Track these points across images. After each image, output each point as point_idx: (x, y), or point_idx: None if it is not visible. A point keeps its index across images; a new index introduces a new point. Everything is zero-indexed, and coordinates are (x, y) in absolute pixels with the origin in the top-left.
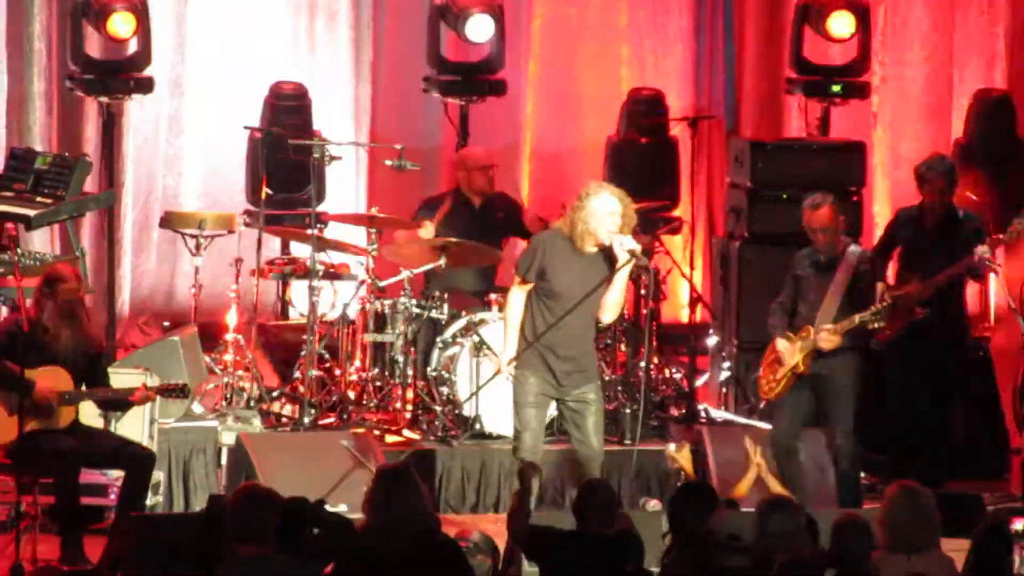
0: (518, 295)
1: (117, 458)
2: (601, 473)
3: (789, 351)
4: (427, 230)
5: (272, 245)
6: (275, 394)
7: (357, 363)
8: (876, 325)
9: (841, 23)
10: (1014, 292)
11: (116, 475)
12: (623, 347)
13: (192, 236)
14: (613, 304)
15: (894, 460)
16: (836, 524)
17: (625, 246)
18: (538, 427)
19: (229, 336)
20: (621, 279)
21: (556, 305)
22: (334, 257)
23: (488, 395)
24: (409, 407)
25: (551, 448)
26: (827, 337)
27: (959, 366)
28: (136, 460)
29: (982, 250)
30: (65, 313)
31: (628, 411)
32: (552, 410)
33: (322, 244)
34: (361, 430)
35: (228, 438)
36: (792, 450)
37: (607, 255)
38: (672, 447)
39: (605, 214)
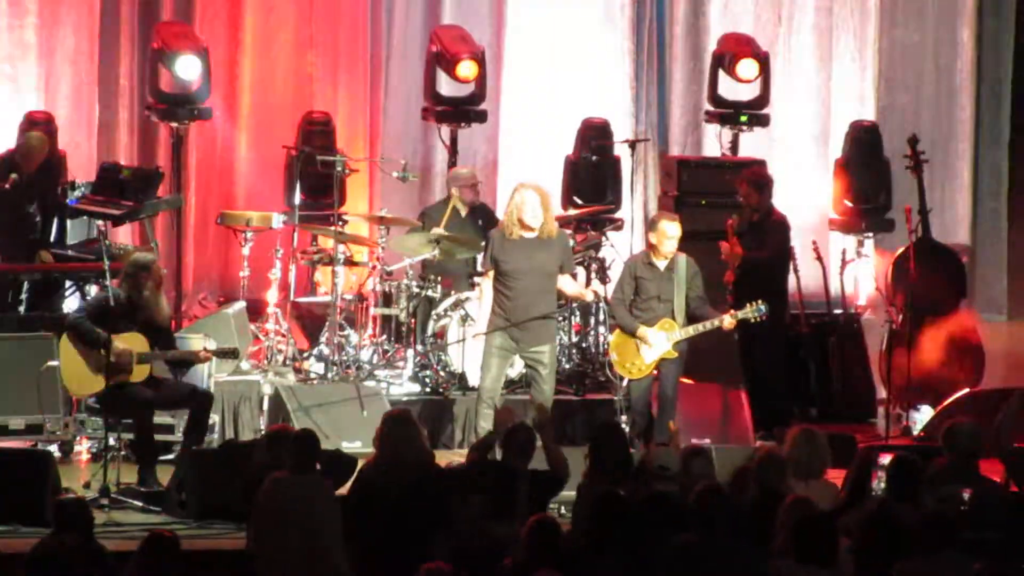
0: (487, 283)
1: (185, 399)
2: (554, 419)
3: (659, 339)
4: (437, 230)
5: (304, 238)
6: (305, 355)
7: (369, 331)
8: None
9: (747, 68)
10: (881, 279)
11: (181, 416)
12: (577, 319)
13: (241, 231)
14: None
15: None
16: (760, 456)
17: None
18: (497, 372)
19: (270, 310)
20: (578, 291)
21: (509, 281)
22: (352, 248)
23: (473, 355)
24: (410, 366)
25: (520, 398)
26: (731, 321)
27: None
28: (200, 399)
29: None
30: (156, 290)
31: (579, 369)
32: (521, 368)
33: (342, 238)
34: (372, 384)
35: (268, 389)
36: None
37: (541, 238)
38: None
39: (529, 206)
